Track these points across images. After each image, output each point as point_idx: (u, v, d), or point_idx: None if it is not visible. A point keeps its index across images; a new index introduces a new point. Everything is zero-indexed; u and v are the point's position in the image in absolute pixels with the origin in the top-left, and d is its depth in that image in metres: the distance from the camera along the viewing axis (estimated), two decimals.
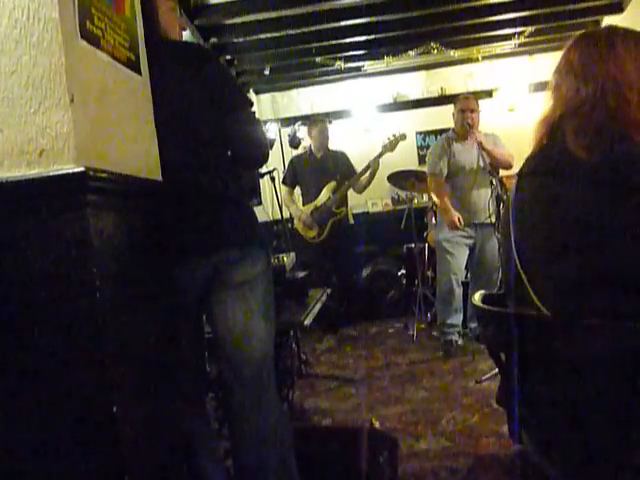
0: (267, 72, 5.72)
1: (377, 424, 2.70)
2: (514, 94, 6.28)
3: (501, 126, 5.38)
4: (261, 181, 3.88)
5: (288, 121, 6.02)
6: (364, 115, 6.51)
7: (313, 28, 4.92)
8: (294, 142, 5.08)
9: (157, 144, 1.52)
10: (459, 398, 2.99)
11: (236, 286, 1.66)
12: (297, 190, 5.07)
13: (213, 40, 4.87)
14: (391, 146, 4.72)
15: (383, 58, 5.79)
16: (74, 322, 1.13)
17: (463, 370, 3.48)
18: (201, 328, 1.80)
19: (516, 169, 1.34)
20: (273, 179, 3.80)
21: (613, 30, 1.22)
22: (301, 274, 2.76)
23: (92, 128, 1.18)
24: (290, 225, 4.85)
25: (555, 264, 1.13)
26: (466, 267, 4.02)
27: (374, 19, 4.90)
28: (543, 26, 5.36)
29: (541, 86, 5.78)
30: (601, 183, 1.07)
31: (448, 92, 6.35)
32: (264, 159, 1.83)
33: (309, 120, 5.13)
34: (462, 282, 3.94)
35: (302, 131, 5.09)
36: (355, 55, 5.71)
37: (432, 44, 5.48)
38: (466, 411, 2.79)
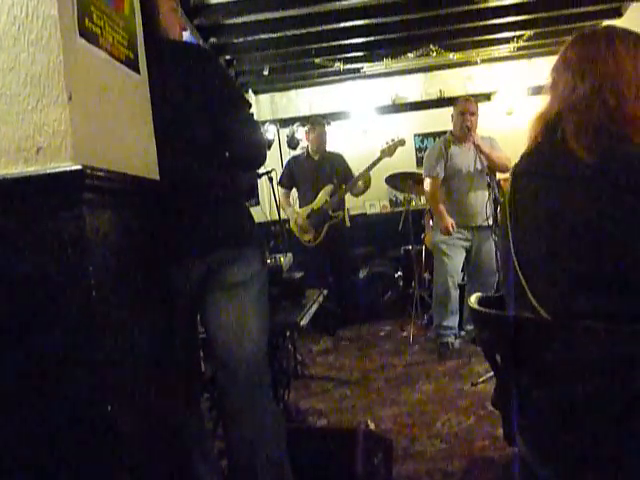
0: (266, 72, 5.73)
1: (372, 426, 2.69)
2: (512, 97, 6.29)
3: (499, 129, 5.41)
4: (259, 181, 3.87)
5: (287, 122, 6.02)
6: (362, 117, 6.52)
7: (312, 29, 4.93)
8: (292, 143, 5.08)
9: (155, 143, 1.51)
10: (455, 400, 2.99)
11: (230, 287, 1.66)
12: (294, 192, 5.07)
13: (213, 40, 4.87)
14: (389, 151, 4.65)
15: (382, 60, 5.80)
16: (69, 320, 1.12)
17: (459, 372, 3.47)
18: (195, 328, 1.80)
19: None
20: (271, 179, 3.79)
21: (612, 30, 1.22)
22: (298, 275, 2.75)
23: (90, 126, 1.18)
24: (287, 226, 4.84)
25: (554, 266, 1.13)
26: (463, 270, 4.02)
27: (373, 21, 4.92)
28: (542, 30, 5.39)
29: (539, 90, 5.74)
30: (600, 184, 1.07)
31: (447, 95, 6.37)
32: (262, 160, 1.83)
33: (308, 122, 5.12)
34: (459, 284, 3.95)
35: (300, 132, 5.09)
36: (354, 57, 5.72)
37: (431, 47, 5.50)
38: (462, 413, 2.78)
